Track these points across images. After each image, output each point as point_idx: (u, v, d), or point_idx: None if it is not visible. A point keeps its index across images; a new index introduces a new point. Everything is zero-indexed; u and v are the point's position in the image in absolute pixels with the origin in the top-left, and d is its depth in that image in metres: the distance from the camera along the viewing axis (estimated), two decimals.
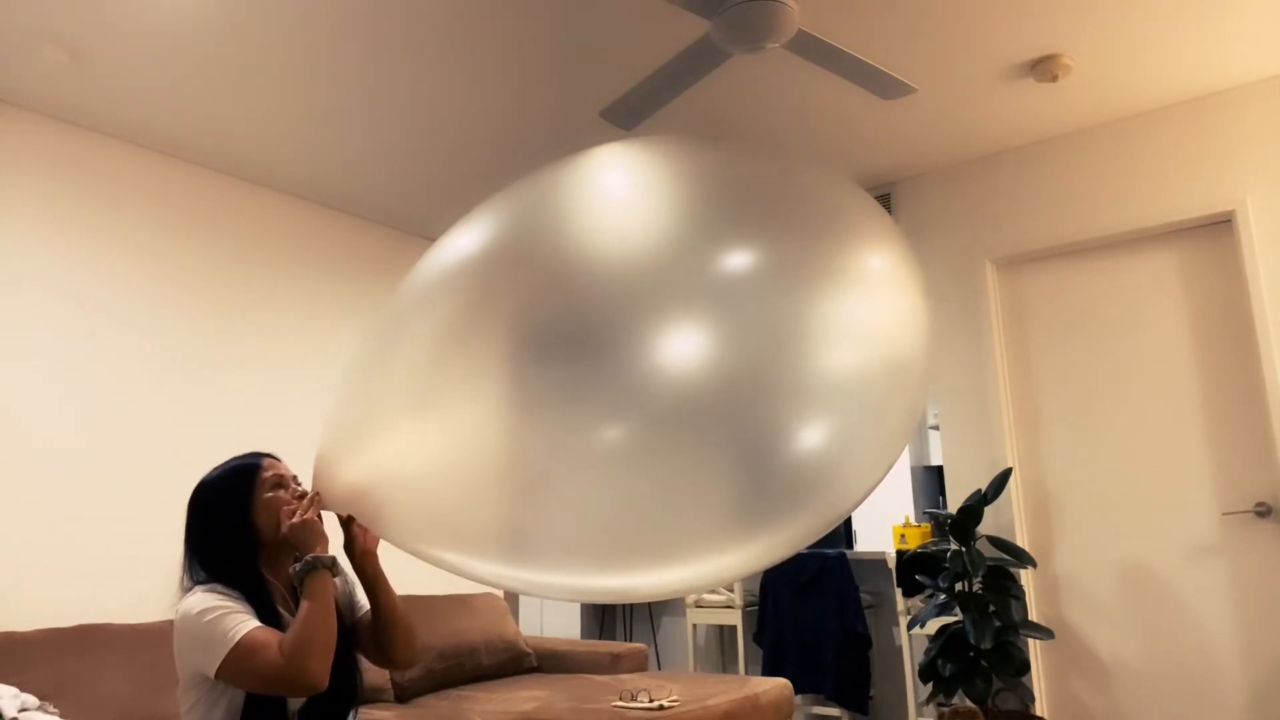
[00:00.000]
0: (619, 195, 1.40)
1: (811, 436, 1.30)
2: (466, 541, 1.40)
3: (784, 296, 1.29)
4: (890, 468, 1.44)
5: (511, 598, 5.72)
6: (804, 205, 1.41)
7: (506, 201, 1.51)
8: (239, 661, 1.46)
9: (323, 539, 1.58)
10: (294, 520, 1.58)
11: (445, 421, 1.35)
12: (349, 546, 1.69)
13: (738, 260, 1.31)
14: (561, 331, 1.30)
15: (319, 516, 1.62)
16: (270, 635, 1.49)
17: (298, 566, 1.54)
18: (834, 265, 1.35)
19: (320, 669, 1.46)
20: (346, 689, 1.68)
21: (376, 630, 1.73)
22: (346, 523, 1.67)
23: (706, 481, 1.28)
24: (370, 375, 1.49)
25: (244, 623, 1.50)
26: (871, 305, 1.37)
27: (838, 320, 1.32)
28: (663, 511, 1.29)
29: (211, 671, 1.48)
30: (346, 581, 1.83)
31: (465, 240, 1.49)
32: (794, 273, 1.32)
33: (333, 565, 1.56)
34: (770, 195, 1.41)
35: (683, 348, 1.26)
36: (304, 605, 1.50)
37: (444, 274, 1.46)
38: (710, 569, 1.37)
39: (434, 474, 1.37)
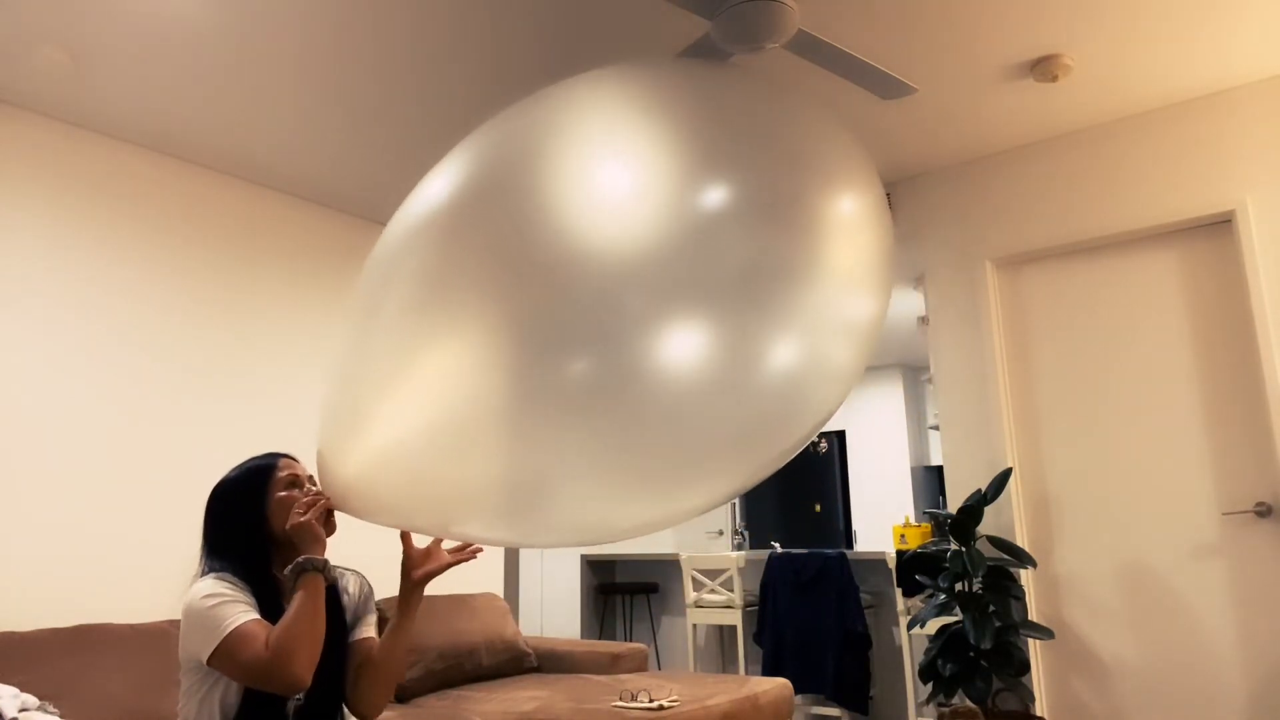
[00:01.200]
0: (590, 137, 1.38)
1: (783, 367, 1.34)
2: (479, 510, 1.38)
3: (750, 236, 1.32)
4: (850, 390, 1.49)
5: (511, 597, 5.72)
6: (774, 144, 1.42)
7: (471, 150, 1.48)
8: (229, 651, 1.48)
9: (320, 542, 1.58)
10: (294, 521, 1.59)
11: (431, 391, 1.33)
12: (405, 565, 1.70)
13: (708, 199, 1.33)
14: (535, 284, 1.29)
15: (329, 517, 1.62)
16: (262, 629, 1.51)
17: (289, 569, 1.55)
18: (800, 206, 1.37)
19: (303, 668, 1.47)
20: (336, 696, 1.68)
21: (370, 660, 1.71)
22: (403, 540, 1.69)
23: (696, 415, 1.29)
24: (351, 358, 1.46)
25: (241, 613, 1.52)
26: (837, 245, 1.40)
27: (805, 261, 1.35)
28: (660, 442, 1.30)
29: (205, 657, 1.50)
30: (367, 598, 1.82)
31: (433, 191, 1.46)
32: (761, 212, 1.34)
33: (324, 568, 1.56)
34: (743, 132, 1.41)
35: (658, 286, 1.27)
36: (292, 605, 1.51)
37: (407, 241, 1.44)
38: (702, 495, 1.40)
39: (428, 449, 1.34)
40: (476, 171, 1.42)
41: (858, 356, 1.48)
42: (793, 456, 1.47)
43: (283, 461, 1.74)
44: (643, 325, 1.26)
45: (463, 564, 1.71)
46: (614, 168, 1.34)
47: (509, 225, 1.33)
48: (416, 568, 1.70)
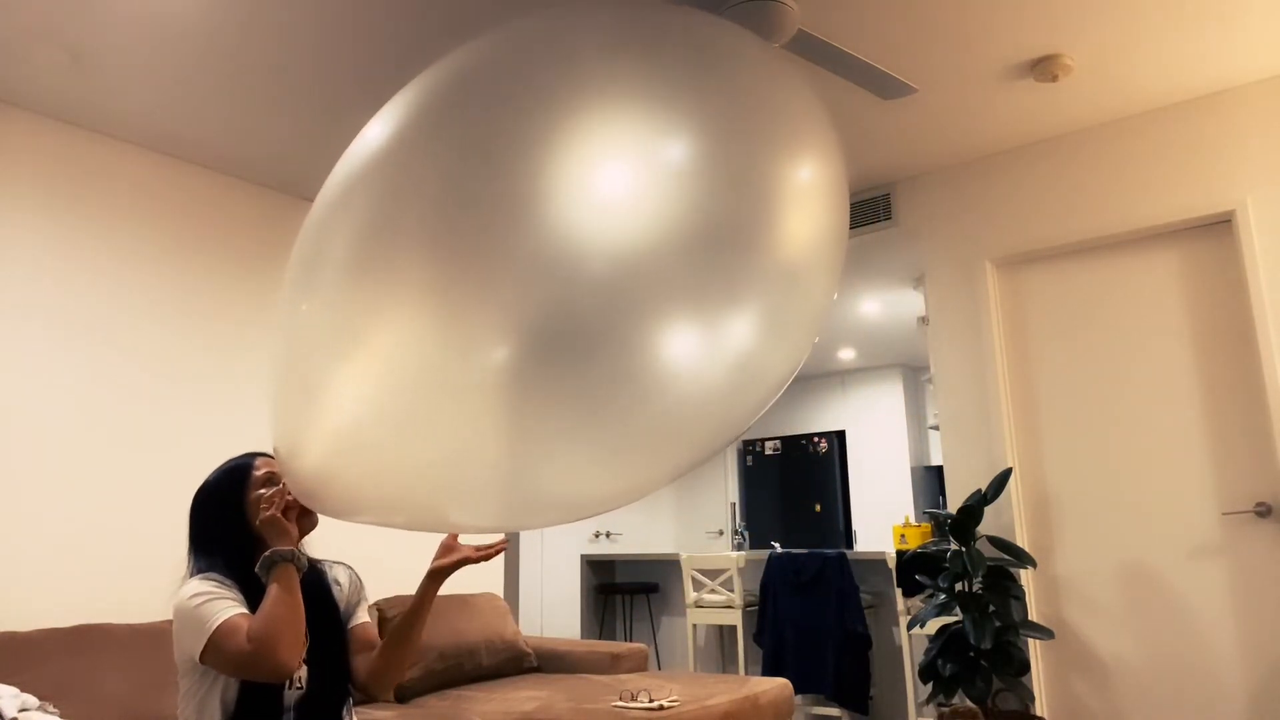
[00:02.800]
0: (544, 70, 1.29)
1: (742, 327, 1.28)
2: (447, 496, 1.31)
3: (708, 198, 1.25)
4: (797, 367, 1.43)
5: (511, 597, 5.72)
6: (740, 107, 1.35)
7: (416, 91, 1.38)
8: (217, 645, 1.51)
9: (287, 535, 1.61)
10: (260, 517, 1.62)
11: (377, 366, 1.23)
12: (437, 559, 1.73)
13: (669, 156, 1.25)
14: (484, 242, 1.19)
15: (305, 512, 1.64)
16: (246, 621, 1.54)
17: (259, 565, 1.58)
18: (759, 172, 1.31)
19: (287, 654, 1.49)
20: (339, 685, 1.72)
21: (385, 644, 1.74)
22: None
23: (665, 381, 1.22)
24: (290, 337, 1.36)
25: (227, 608, 1.55)
26: (793, 212, 1.33)
27: (761, 227, 1.28)
28: (629, 411, 1.23)
29: (198, 655, 1.53)
30: (358, 588, 1.85)
31: (371, 138, 1.36)
32: (721, 176, 1.27)
33: (293, 558, 1.58)
34: (710, 89, 1.33)
35: (618, 245, 1.19)
36: (267, 596, 1.54)
37: (343, 196, 1.33)
38: (675, 463, 1.33)
39: (385, 433, 1.26)
40: (419, 114, 1.32)
41: (812, 322, 1.42)
42: (751, 422, 1.41)
43: (260, 460, 1.77)
44: (603, 287, 1.18)
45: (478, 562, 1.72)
46: (570, 114, 1.24)
47: (453, 174, 1.23)
48: (435, 560, 1.72)
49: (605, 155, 1.23)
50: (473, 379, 1.20)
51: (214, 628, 1.52)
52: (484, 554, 1.71)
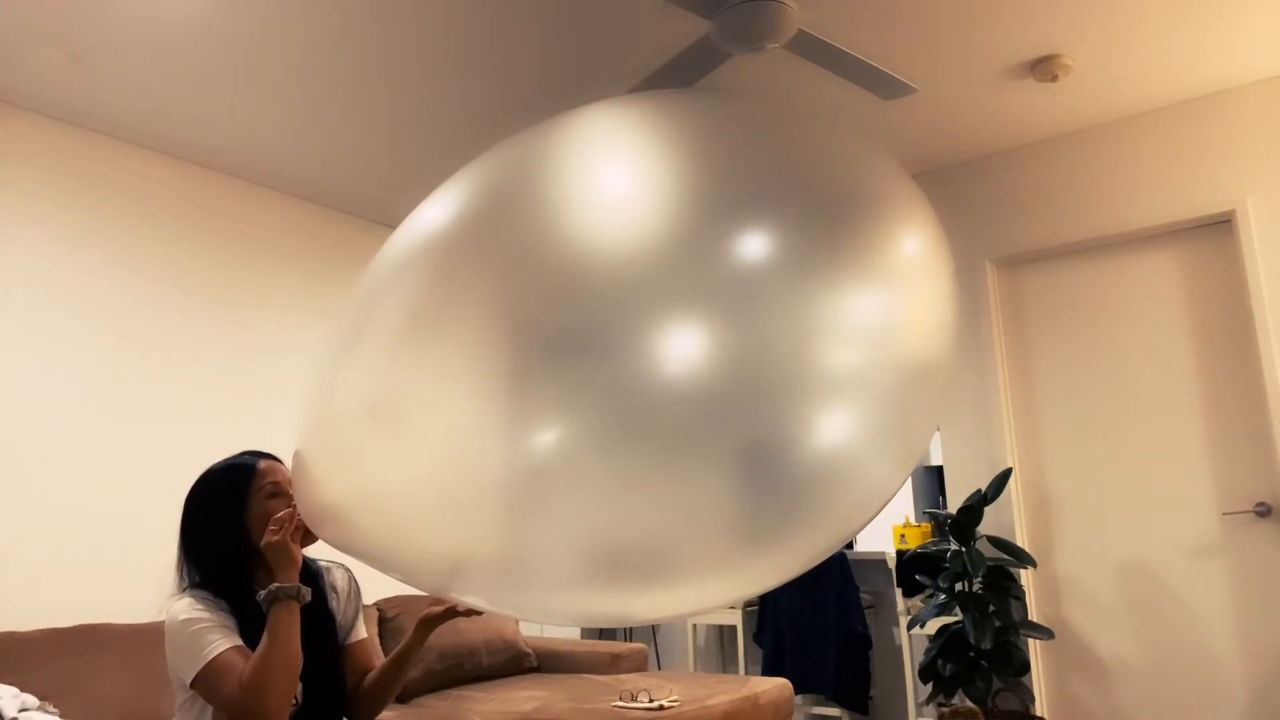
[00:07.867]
0: (608, 163, 1.22)
1: (823, 442, 1.15)
2: (460, 577, 1.24)
3: (795, 287, 1.13)
4: (908, 477, 1.29)
5: None
6: (822, 180, 1.23)
7: (478, 171, 1.32)
8: (207, 681, 1.47)
9: (294, 563, 1.51)
10: (267, 539, 1.52)
11: (415, 433, 1.17)
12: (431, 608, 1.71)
13: (744, 246, 1.14)
14: (542, 327, 1.12)
15: (303, 530, 1.54)
16: (240, 658, 1.48)
17: (261, 596, 1.50)
18: (853, 253, 1.19)
19: (276, 707, 1.44)
20: (335, 700, 1.68)
21: (368, 685, 1.72)
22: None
23: (706, 494, 1.12)
24: (336, 377, 1.30)
25: (219, 641, 1.49)
26: (896, 299, 1.21)
27: (855, 315, 1.17)
28: (662, 527, 1.13)
29: (188, 681, 1.50)
30: (354, 597, 1.80)
31: (432, 215, 1.30)
32: (806, 260, 1.15)
33: (298, 595, 1.50)
34: (782, 167, 1.22)
35: (679, 344, 1.09)
36: (264, 641, 1.47)
37: (405, 261, 1.28)
38: (711, 589, 1.23)
39: (405, 493, 1.19)
40: (480, 202, 1.26)
41: (926, 431, 1.28)
42: (830, 554, 1.27)
43: (264, 465, 1.67)
44: (669, 385, 1.06)
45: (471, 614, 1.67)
46: (638, 210, 1.15)
47: (509, 268, 1.15)
48: (426, 610, 1.70)
49: (685, 265, 1.11)
50: (521, 471, 1.10)
51: (206, 661, 1.47)
52: (474, 607, 1.68)
